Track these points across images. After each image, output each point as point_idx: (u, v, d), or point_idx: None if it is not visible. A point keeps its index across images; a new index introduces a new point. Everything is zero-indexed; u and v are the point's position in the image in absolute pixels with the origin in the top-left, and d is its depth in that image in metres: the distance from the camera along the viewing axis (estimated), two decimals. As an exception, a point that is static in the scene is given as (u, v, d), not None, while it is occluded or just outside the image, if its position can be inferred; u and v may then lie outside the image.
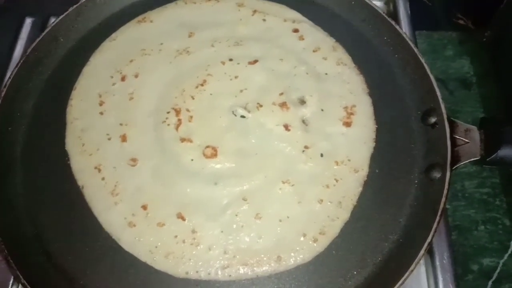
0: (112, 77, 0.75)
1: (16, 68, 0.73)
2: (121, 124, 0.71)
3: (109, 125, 0.71)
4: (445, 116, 0.68)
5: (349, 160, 0.68)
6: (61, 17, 0.79)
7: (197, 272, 0.61)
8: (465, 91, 0.91)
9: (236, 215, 0.64)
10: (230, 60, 0.75)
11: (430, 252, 0.69)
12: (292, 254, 0.62)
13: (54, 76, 0.77)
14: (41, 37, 0.77)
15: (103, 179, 0.67)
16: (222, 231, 0.63)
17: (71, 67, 0.78)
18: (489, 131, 0.67)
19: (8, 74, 0.74)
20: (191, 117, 0.70)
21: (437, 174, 0.67)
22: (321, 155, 0.68)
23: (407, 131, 0.72)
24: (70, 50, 0.80)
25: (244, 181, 0.66)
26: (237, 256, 0.62)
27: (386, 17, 0.78)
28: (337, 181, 0.67)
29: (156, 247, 0.63)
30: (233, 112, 0.71)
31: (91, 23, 0.82)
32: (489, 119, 0.71)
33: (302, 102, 0.72)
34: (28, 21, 0.91)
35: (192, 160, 0.67)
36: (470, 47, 0.95)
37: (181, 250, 0.62)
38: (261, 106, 0.71)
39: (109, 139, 0.70)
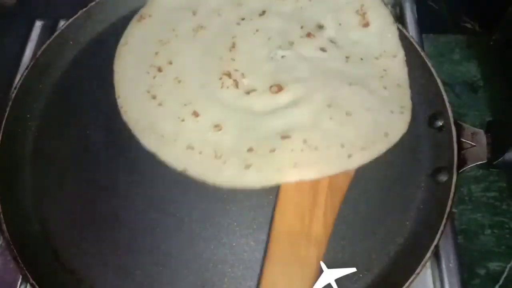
0: (148, 72, 0.76)
1: (26, 71, 0.74)
2: (185, 105, 0.72)
3: (174, 110, 0.72)
4: (451, 119, 0.68)
5: (384, 51, 0.76)
6: (70, 20, 0.79)
7: (328, 166, 0.67)
8: (472, 95, 0.90)
9: (331, 119, 0.69)
10: (243, 19, 0.79)
11: (436, 256, 0.69)
12: (393, 127, 0.70)
13: (64, 79, 0.78)
14: (51, 39, 0.77)
15: (200, 153, 0.69)
16: (327, 133, 0.68)
17: (81, 69, 0.79)
18: (496, 135, 0.67)
19: (18, 76, 0.75)
20: (242, 74, 0.74)
21: (443, 177, 0.67)
22: (361, 59, 0.75)
23: (413, 134, 0.72)
24: (80, 52, 0.80)
25: (320, 95, 0.71)
26: (354, 146, 0.68)
27: (393, 21, 0.79)
28: (385, 70, 0.75)
29: (282, 163, 0.67)
30: (272, 57, 0.75)
31: (101, 25, 0.82)
32: (496, 122, 0.71)
33: (321, 26, 0.77)
34: (38, 24, 0.92)
35: (265, 103, 0.72)
36: (477, 50, 0.95)
37: (307, 156, 0.67)
38: (292, 43, 0.76)
39: (182, 120, 0.71)
